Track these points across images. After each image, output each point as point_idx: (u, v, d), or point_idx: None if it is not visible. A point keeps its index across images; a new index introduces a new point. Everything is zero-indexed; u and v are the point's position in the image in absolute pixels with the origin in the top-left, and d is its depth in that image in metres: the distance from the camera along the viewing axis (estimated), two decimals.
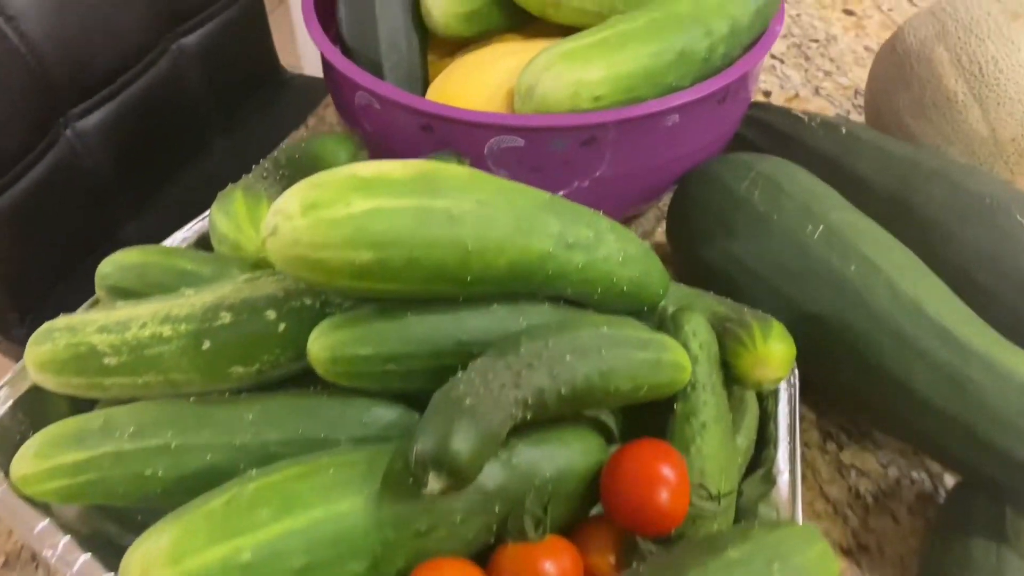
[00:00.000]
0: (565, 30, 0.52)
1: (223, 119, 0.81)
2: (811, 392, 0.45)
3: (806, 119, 0.56)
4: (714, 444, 0.37)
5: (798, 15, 0.82)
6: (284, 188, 0.51)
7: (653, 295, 0.42)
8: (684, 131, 0.50)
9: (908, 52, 0.56)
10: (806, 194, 0.47)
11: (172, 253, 0.44)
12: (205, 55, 0.76)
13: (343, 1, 0.53)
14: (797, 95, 0.72)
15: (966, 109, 0.52)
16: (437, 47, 0.56)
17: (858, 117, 0.69)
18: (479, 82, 0.49)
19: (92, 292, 0.43)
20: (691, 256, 0.51)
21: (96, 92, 0.69)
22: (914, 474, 0.45)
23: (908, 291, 0.42)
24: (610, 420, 0.41)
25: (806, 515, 0.44)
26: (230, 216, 0.45)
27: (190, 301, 0.38)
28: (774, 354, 0.39)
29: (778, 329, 0.40)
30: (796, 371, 0.43)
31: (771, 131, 0.58)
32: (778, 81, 0.73)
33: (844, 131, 0.54)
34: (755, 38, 0.52)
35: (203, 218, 0.50)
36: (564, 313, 0.39)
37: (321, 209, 0.33)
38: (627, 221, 0.60)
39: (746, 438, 0.42)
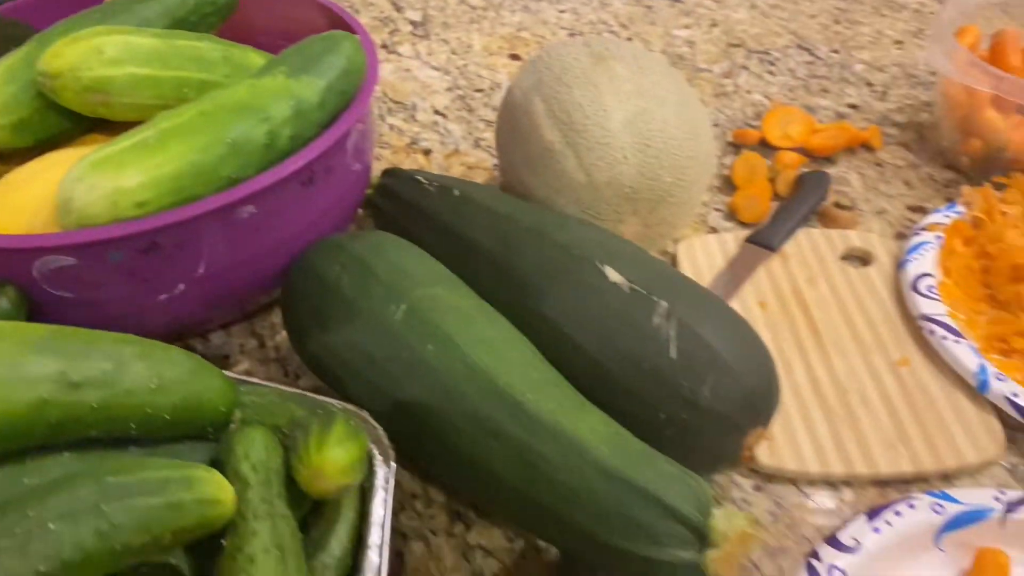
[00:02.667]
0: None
1: None
2: None
3: (425, 182, 0.55)
4: None
5: (465, 65, 0.82)
6: None
7: (214, 414, 0.39)
8: (270, 220, 0.47)
9: (515, 106, 0.56)
10: (393, 273, 0.45)
11: None
12: None
13: None
14: (457, 150, 0.71)
15: (564, 158, 0.52)
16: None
17: None
18: (19, 201, 0.44)
19: None
20: (301, 351, 0.48)
21: None
22: (540, 543, 0.44)
23: (483, 365, 0.40)
24: (182, 562, 0.37)
25: None
26: None
27: None
28: (329, 463, 0.36)
29: (337, 433, 0.37)
30: (392, 464, 0.40)
31: (397, 199, 0.56)
32: (439, 137, 0.72)
33: (457, 193, 0.53)
34: (340, 110, 0.50)
35: None
36: (83, 463, 0.35)
37: None
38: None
39: (340, 546, 0.39)
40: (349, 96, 0.50)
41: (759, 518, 0.37)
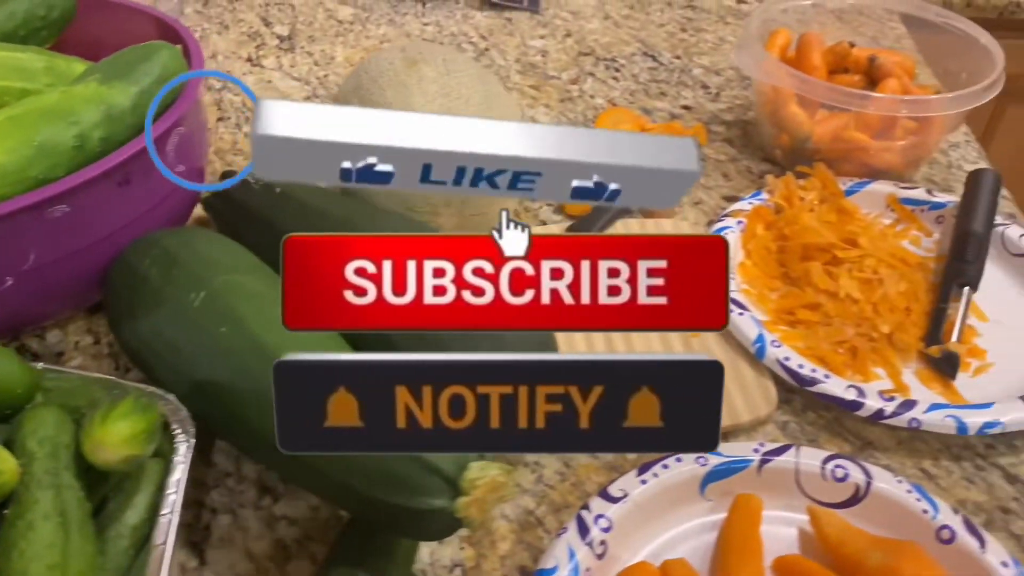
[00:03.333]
0: None
1: None
2: None
3: (252, 182, 0.58)
4: (43, 542, 0.36)
5: (325, 76, 0.85)
6: None
7: (11, 397, 0.41)
8: (87, 219, 0.49)
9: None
10: (198, 262, 0.48)
11: None
12: None
13: None
14: None
15: None
16: None
17: None
18: None
19: None
20: (120, 342, 0.50)
21: None
22: (341, 512, 0.47)
23: (270, 343, 0.43)
24: None
25: None
26: None
27: None
28: (112, 435, 0.39)
29: (123, 408, 0.40)
30: (192, 440, 0.43)
31: (229, 199, 0.59)
32: None
33: (278, 191, 0.56)
34: (157, 115, 0.52)
35: None
36: None
37: None
38: None
39: (137, 516, 0.42)
40: (166, 102, 0.53)
41: (513, 469, 0.41)
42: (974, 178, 0.65)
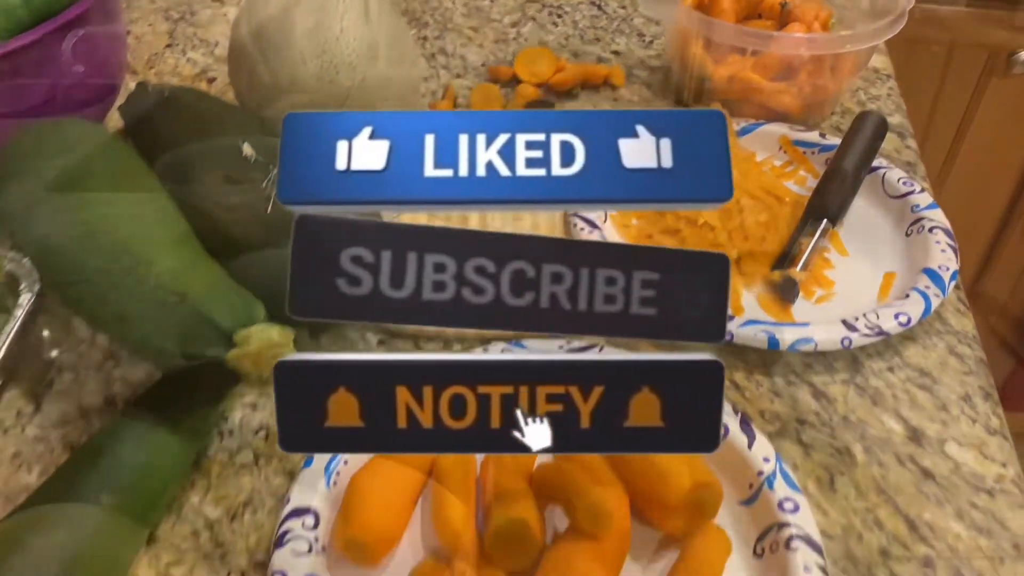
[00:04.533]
0: None
1: None
2: None
3: (150, 89, 0.62)
4: None
5: None
6: None
7: None
8: None
9: (236, 24, 0.63)
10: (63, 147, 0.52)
11: None
12: None
13: None
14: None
15: (255, 62, 0.59)
16: None
17: None
18: None
19: None
20: None
21: None
22: None
23: (105, 224, 0.47)
24: None
25: None
26: None
27: None
28: None
29: None
30: (34, 292, 0.48)
31: (132, 106, 0.64)
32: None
33: (167, 94, 0.60)
34: (54, 13, 0.57)
35: None
36: None
37: None
38: None
39: None
40: (64, 3, 0.57)
41: (294, 332, 0.44)
42: (858, 120, 0.66)
